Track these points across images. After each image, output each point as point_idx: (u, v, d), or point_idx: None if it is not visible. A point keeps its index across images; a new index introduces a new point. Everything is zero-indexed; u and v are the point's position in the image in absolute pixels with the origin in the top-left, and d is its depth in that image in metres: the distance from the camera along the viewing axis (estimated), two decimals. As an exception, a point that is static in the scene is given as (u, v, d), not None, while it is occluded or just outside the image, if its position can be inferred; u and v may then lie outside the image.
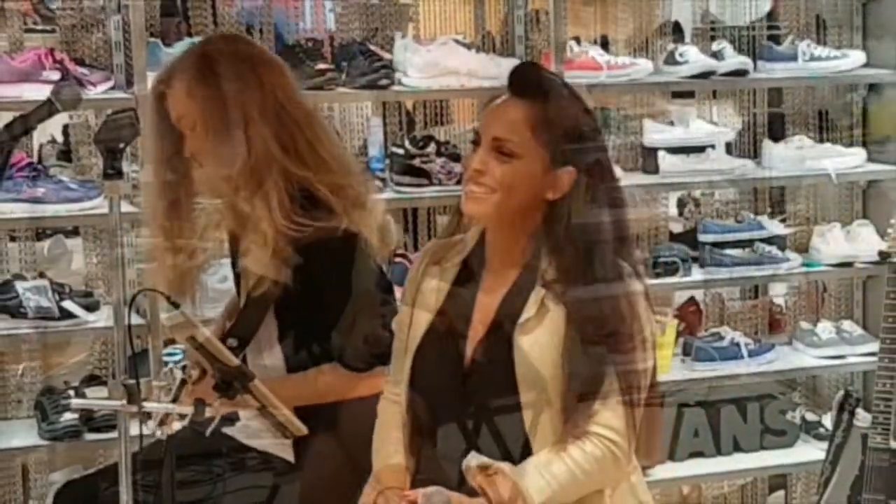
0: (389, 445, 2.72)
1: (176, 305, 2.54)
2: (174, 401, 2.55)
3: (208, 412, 2.56)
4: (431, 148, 4.17)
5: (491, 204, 2.59)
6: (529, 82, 2.63)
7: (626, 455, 2.58)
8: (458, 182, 4.09)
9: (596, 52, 4.32)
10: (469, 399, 2.63)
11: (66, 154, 4.19)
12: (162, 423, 2.50)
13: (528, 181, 2.56)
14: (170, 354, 3.77)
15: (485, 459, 2.54)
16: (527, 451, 2.57)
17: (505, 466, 2.54)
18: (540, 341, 2.56)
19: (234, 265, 3.09)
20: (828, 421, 4.32)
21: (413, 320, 2.71)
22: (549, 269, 2.58)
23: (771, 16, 4.80)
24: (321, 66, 4.00)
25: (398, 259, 4.06)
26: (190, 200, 3.07)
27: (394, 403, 2.75)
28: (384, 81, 4.05)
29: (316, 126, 3.05)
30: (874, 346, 4.07)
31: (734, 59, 4.45)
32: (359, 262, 2.93)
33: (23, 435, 3.88)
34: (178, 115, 2.99)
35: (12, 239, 4.09)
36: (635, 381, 2.57)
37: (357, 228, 2.92)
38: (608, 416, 2.55)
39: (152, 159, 3.11)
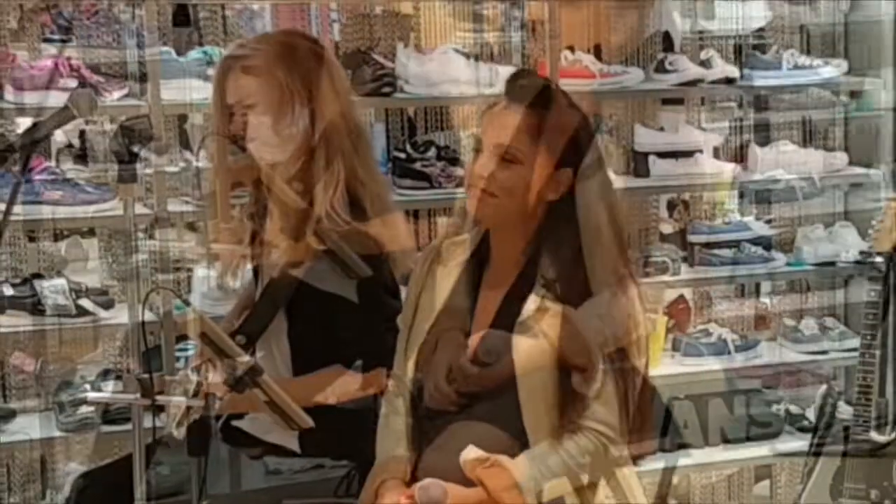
0: (392, 438, 2.72)
1: (187, 303, 2.55)
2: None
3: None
4: (432, 152, 4.18)
5: (495, 207, 2.59)
6: (526, 88, 2.63)
7: (619, 448, 2.58)
8: (458, 185, 4.11)
9: (589, 61, 4.32)
10: (470, 394, 2.63)
11: (82, 158, 4.19)
12: (180, 423, 2.48)
13: (530, 184, 2.57)
14: (182, 350, 3.77)
15: (481, 452, 2.54)
16: (524, 445, 2.57)
17: (501, 458, 2.54)
18: (539, 339, 2.55)
19: (253, 258, 3.08)
20: (811, 413, 4.33)
21: (417, 317, 2.71)
22: (550, 269, 2.58)
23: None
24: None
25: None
26: (227, 194, 3.03)
27: (397, 397, 2.74)
28: (387, 89, 4.06)
29: (367, 136, 3.07)
30: (855, 342, 4.07)
31: (722, 68, 4.45)
32: (374, 267, 2.92)
33: (42, 427, 3.88)
34: (242, 94, 2.94)
35: (31, 239, 4.09)
36: (629, 377, 2.57)
37: (378, 236, 2.92)
38: (602, 412, 2.55)
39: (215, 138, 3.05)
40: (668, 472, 4.29)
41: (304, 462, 2.94)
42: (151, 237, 3.78)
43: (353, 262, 2.86)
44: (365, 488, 2.69)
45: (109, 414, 3.77)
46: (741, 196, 4.78)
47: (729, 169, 4.52)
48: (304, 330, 2.98)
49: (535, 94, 2.62)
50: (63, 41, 4.15)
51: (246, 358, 2.60)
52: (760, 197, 4.79)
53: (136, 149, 2.59)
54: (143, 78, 3.83)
